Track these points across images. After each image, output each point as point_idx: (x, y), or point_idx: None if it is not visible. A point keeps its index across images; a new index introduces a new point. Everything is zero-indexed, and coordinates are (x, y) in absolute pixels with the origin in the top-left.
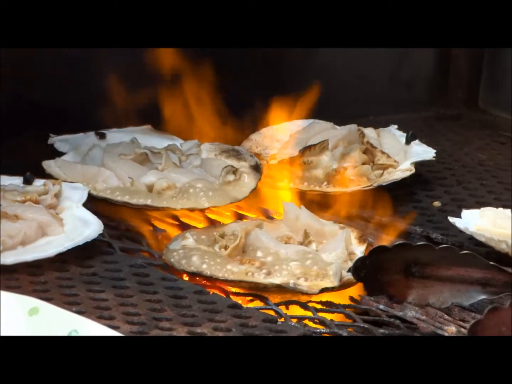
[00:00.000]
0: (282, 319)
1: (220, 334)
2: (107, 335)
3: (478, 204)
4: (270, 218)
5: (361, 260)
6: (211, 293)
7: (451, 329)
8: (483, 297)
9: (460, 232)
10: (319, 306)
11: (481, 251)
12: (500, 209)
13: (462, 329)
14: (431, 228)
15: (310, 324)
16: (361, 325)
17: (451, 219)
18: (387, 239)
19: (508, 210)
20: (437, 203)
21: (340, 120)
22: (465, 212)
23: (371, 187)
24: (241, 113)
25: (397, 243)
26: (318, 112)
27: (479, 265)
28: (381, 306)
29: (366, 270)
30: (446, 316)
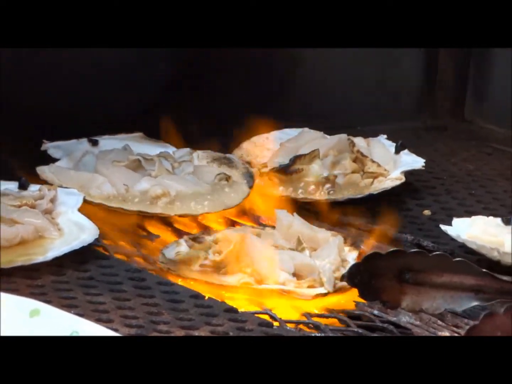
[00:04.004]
0: (277, 323)
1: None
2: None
3: (468, 213)
4: (262, 225)
5: (355, 267)
6: (206, 297)
7: (445, 335)
8: (475, 303)
9: (451, 240)
10: (313, 311)
11: (471, 258)
12: (491, 217)
13: (456, 335)
14: (422, 236)
15: (305, 328)
16: (355, 329)
17: (443, 227)
18: (378, 247)
19: (498, 219)
20: (427, 212)
21: (327, 130)
22: (456, 221)
23: (362, 195)
24: (231, 122)
25: (391, 250)
26: (306, 122)
27: (472, 272)
28: (376, 312)
29: (360, 276)
30: (439, 322)
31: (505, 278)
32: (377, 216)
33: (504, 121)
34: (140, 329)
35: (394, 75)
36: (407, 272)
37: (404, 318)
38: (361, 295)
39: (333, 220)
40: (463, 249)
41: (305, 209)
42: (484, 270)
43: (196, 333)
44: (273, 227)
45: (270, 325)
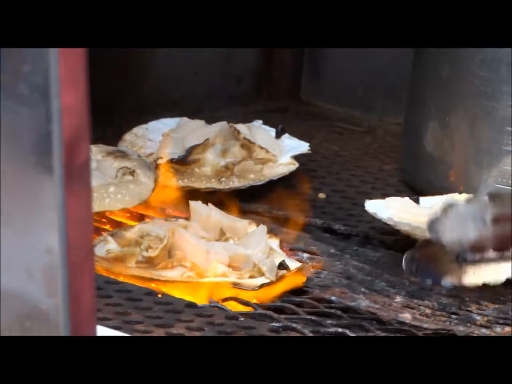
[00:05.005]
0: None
1: (197, 333)
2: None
3: (359, 194)
4: (172, 217)
5: (411, 254)
6: (160, 295)
7: (406, 316)
8: None
9: (359, 222)
10: (253, 302)
11: (388, 239)
12: (406, 198)
13: (416, 316)
14: (330, 220)
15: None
16: (308, 317)
17: (370, 210)
18: (290, 233)
19: (407, 198)
20: (322, 195)
21: (180, 116)
22: (368, 203)
23: (263, 181)
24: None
25: None
26: (156, 110)
27: None
28: (333, 298)
29: (417, 263)
30: (394, 304)
31: None
32: (276, 202)
33: (341, 100)
34: (120, 330)
35: (236, 58)
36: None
37: (364, 303)
38: (421, 280)
39: (235, 209)
40: (376, 230)
41: (205, 199)
42: None
43: (174, 331)
44: (186, 218)
45: (236, 317)
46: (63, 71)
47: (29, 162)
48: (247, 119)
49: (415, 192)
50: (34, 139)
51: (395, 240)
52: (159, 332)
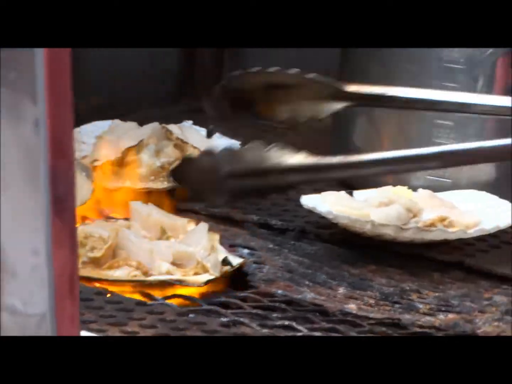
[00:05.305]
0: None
1: (151, 330)
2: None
3: (292, 190)
4: (111, 218)
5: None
6: (109, 294)
7: (352, 306)
8: None
9: (294, 216)
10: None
11: (324, 233)
12: (342, 192)
13: (361, 306)
14: (267, 216)
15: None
16: (253, 311)
17: (310, 205)
18: (227, 230)
19: (343, 193)
20: None
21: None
22: (304, 198)
23: None
24: None
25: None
26: (84, 114)
27: None
28: (280, 291)
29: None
30: (338, 295)
31: None
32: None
33: None
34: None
35: (160, 59)
36: None
37: (309, 295)
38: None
39: (173, 207)
40: (312, 225)
41: (143, 199)
42: None
43: (128, 329)
44: (125, 219)
45: (186, 313)
46: (48, 77)
47: (17, 164)
48: (173, 120)
49: (346, 186)
50: (21, 144)
51: (331, 233)
52: (114, 331)
